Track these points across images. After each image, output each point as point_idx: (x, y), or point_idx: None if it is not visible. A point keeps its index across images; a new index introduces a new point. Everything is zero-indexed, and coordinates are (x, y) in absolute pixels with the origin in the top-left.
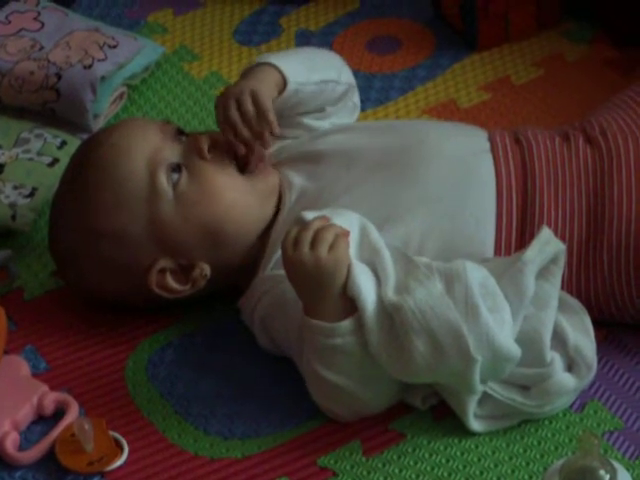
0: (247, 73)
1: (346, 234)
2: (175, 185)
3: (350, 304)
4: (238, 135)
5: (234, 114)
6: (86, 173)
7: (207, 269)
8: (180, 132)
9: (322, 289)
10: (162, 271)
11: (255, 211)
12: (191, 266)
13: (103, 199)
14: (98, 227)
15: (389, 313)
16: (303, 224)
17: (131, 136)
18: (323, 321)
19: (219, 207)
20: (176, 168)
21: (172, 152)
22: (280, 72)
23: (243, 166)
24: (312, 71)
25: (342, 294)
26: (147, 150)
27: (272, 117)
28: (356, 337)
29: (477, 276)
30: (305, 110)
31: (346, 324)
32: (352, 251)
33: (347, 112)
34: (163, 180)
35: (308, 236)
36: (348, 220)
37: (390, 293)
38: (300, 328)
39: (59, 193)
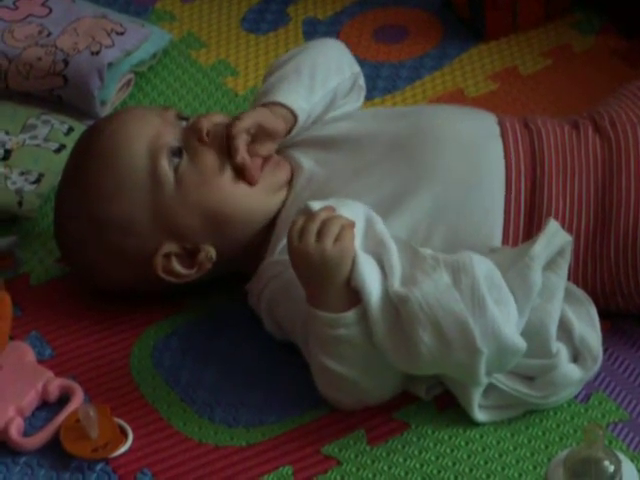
0: None
1: (352, 225)
2: (176, 169)
3: (355, 295)
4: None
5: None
6: (88, 162)
7: (213, 252)
8: (181, 117)
9: (327, 280)
10: (167, 256)
11: (260, 198)
12: (197, 249)
13: (106, 187)
14: (102, 215)
15: (395, 305)
16: (309, 214)
17: (131, 122)
18: (327, 312)
19: (218, 191)
20: (177, 152)
21: (173, 136)
22: (287, 108)
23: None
24: (317, 89)
25: (346, 285)
26: (148, 135)
27: (237, 142)
28: (360, 328)
29: (483, 268)
30: (322, 117)
31: (350, 315)
32: (357, 242)
33: (355, 97)
34: (164, 164)
35: (314, 227)
36: (354, 211)
37: (396, 285)
38: (306, 316)
39: (63, 182)
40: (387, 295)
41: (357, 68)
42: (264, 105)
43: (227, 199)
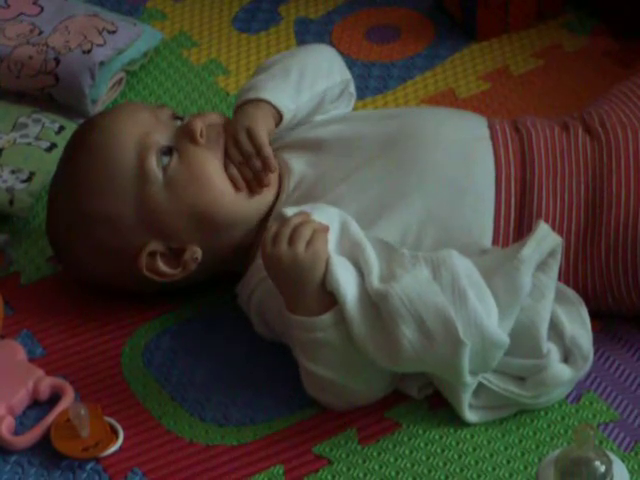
0: (241, 110)
1: (325, 229)
2: (165, 168)
3: (331, 298)
4: (241, 171)
5: (233, 152)
6: (77, 157)
7: (198, 252)
8: (175, 116)
9: (300, 284)
10: (152, 254)
11: (249, 200)
12: (182, 249)
13: (94, 182)
14: (89, 210)
15: (374, 302)
16: (283, 220)
17: (122, 119)
18: (304, 316)
19: (209, 193)
20: (167, 151)
21: (164, 135)
22: (273, 106)
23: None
24: (305, 90)
25: (322, 288)
26: (137, 133)
27: (267, 151)
28: (337, 330)
29: (462, 265)
30: (308, 120)
31: (326, 317)
32: (332, 246)
33: (344, 103)
34: (153, 163)
35: (287, 232)
36: (328, 215)
37: (375, 282)
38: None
39: (55, 177)
40: (365, 294)
41: (348, 75)
42: (250, 101)
43: (216, 201)
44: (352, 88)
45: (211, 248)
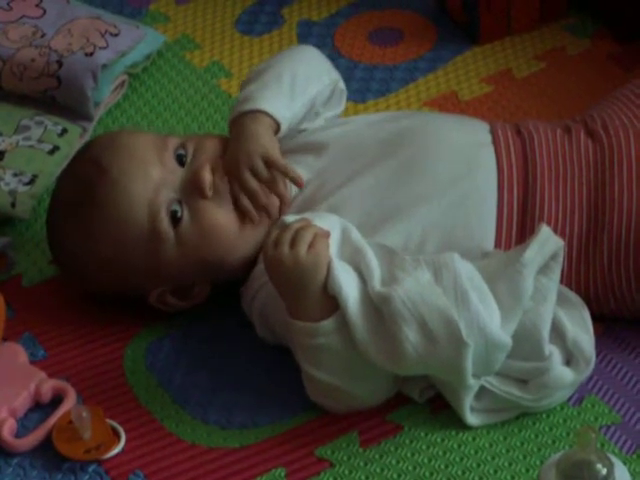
0: (241, 127)
1: (326, 234)
2: (176, 226)
3: (332, 303)
4: (256, 204)
5: (252, 183)
6: (91, 207)
7: (207, 288)
8: (180, 153)
9: (302, 288)
10: (162, 292)
11: (260, 228)
12: (192, 285)
13: (107, 235)
14: (102, 255)
15: (376, 306)
16: (284, 226)
17: (131, 174)
18: (305, 321)
19: (222, 247)
20: (177, 203)
21: (172, 186)
22: (271, 116)
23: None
24: (298, 97)
25: (323, 293)
26: (147, 194)
27: (293, 171)
28: (340, 335)
29: (464, 268)
30: (299, 125)
31: (328, 323)
32: (334, 251)
33: (336, 101)
34: (164, 223)
35: (288, 236)
36: (329, 222)
37: (377, 286)
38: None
39: (63, 210)
40: (367, 298)
41: (336, 75)
42: (246, 112)
43: (230, 250)
44: (342, 84)
45: (220, 279)
